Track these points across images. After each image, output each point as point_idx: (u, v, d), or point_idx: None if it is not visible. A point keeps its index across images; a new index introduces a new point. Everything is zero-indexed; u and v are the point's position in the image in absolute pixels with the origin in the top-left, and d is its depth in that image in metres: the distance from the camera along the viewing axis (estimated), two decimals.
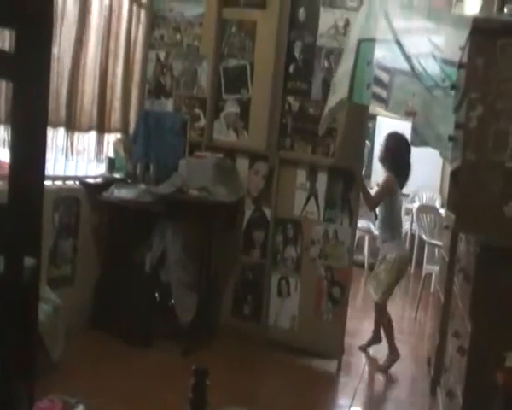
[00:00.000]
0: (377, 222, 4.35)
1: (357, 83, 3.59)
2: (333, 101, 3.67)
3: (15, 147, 1.17)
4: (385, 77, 3.67)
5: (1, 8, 1.18)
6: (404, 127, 4.24)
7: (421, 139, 3.84)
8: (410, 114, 3.72)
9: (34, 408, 1.38)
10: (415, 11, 3.76)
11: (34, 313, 1.31)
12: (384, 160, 4.21)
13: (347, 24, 3.90)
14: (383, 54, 3.64)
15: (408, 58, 3.62)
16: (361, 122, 3.96)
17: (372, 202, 4.11)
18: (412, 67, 3.61)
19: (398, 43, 3.57)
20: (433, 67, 3.61)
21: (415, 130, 3.85)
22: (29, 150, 1.18)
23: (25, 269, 1.17)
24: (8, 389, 1.15)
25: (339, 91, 3.63)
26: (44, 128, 1.22)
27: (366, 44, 3.59)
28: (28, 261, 1.19)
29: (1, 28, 2.38)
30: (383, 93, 3.68)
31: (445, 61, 3.57)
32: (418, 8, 3.79)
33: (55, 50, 3.34)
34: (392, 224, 4.14)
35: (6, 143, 3.00)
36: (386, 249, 4.13)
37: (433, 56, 3.59)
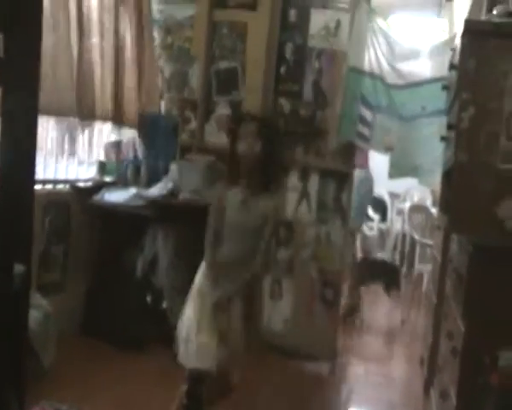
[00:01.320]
0: None
1: (346, 119, 3.83)
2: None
3: (5, 152, 1.15)
4: (368, 115, 3.90)
5: None
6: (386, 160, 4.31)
7: (397, 171, 3.98)
8: (388, 149, 3.97)
9: None
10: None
11: (24, 320, 1.29)
12: None
13: (338, 25, 3.90)
14: (367, 89, 3.84)
15: (389, 92, 3.85)
16: None
17: None
18: (391, 103, 3.83)
19: (381, 79, 3.80)
20: (416, 94, 3.80)
21: (392, 163, 3.97)
22: (19, 155, 1.16)
23: (15, 276, 1.15)
24: None
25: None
26: (35, 131, 1.20)
27: (355, 76, 3.80)
28: (18, 268, 1.16)
29: None
30: (365, 131, 3.93)
31: (431, 80, 3.74)
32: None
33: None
34: None
35: None
36: None
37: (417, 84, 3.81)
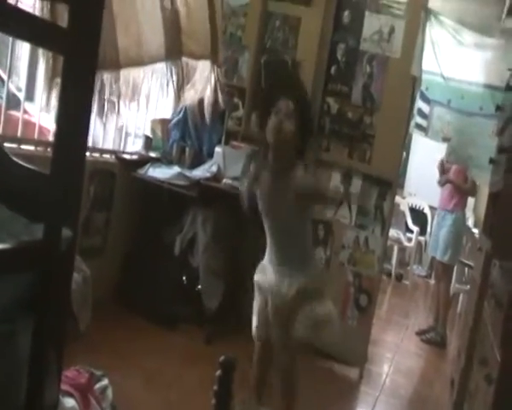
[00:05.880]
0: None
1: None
2: None
3: (62, 118, 1.18)
4: (425, 108, 4.33)
5: None
6: (439, 147, 4.93)
7: (454, 158, 4.51)
8: (445, 139, 4.48)
9: (62, 377, 1.40)
10: (466, 25, 3.97)
11: (68, 283, 1.33)
12: None
13: (392, 31, 3.84)
14: (426, 85, 4.13)
15: (448, 87, 4.24)
16: (399, 131, 3.89)
17: None
18: (449, 101, 4.24)
19: (443, 78, 3.93)
20: (475, 93, 4.14)
21: (449, 151, 4.47)
22: (75, 122, 1.19)
23: (62, 240, 1.19)
24: (40, 357, 1.18)
25: None
26: (91, 98, 1.23)
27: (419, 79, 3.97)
28: (65, 233, 1.20)
29: (55, 2, 2.40)
30: (424, 123, 4.42)
31: (490, 86, 4.04)
32: (470, 23, 4.01)
33: None
34: None
35: (48, 109, 3.00)
36: None
37: (476, 83, 4.17)
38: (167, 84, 3.23)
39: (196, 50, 3.34)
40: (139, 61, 3.08)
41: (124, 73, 2.98)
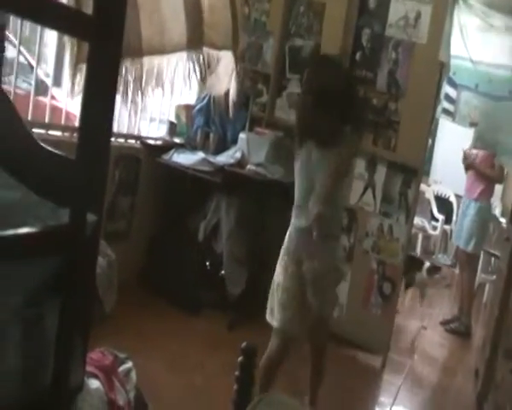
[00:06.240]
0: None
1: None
2: None
3: (87, 104, 1.20)
4: (452, 93, 4.34)
5: None
6: (466, 132, 4.83)
7: (481, 144, 4.40)
8: (472, 124, 4.50)
9: (87, 359, 1.43)
10: (495, 8, 3.88)
11: (93, 267, 1.35)
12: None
13: (418, 16, 3.78)
14: (453, 70, 4.06)
15: (476, 71, 4.18)
16: (425, 118, 3.84)
17: None
18: (477, 85, 4.24)
19: (472, 62, 3.87)
20: (503, 77, 4.10)
21: (476, 136, 4.36)
22: (100, 108, 1.21)
23: (87, 225, 1.21)
24: (66, 339, 1.20)
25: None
26: (115, 84, 1.25)
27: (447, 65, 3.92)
28: (90, 217, 1.22)
29: None
30: (451, 108, 4.43)
31: None
32: (499, 5, 3.92)
33: None
34: None
35: (72, 94, 3.04)
36: None
37: (505, 67, 4.12)
38: (189, 74, 3.24)
39: (218, 41, 3.35)
40: (161, 50, 3.10)
41: (147, 60, 3.01)
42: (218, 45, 3.37)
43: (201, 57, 3.27)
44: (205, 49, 3.30)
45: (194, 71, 3.25)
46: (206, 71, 3.30)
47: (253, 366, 1.66)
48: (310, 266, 2.45)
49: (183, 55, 3.19)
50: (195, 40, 3.23)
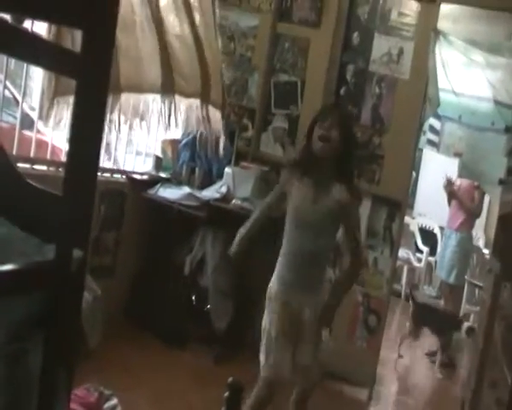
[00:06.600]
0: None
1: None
2: None
3: (74, 140, 1.21)
4: (437, 124, 4.53)
5: (71, 8, 1.23)
6: (451, 162, 4.95)
7: (466, 173, 4.57)
8: (457, 154, 4.60)
9: (71, 396, 1.41)
10: (476, 45, 4.00)
11: (79, 303, 1.35)
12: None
13: (401, 52, 3.86)
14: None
15: (459, 103, 4.28)
16: (408, 152, 3.90)
17: None
18: (460, 117, 4.32)
19: (455, 94, 3.96)
20: (486, 109, 4.17)
21: (461, 166, 4.54)
22: (87, 144, 1.22)
23: (73, 260, 1.21)
24: (50, 375, 1.19)
25: None
26: (102, 120, 1.26)
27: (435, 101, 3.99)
28: (76, 253, 1.22)
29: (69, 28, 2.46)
30: (435, 138, 4.66)
31: (500, 103, 4.06)
32: (479, 43, 4.04)
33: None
34: None
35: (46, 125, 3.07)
36: None
37: (488, 99, 4.17)
38: (163, 116, 3.30)
39: (186, 89, 3.41)
40: (139, 88, 3.16)
41: (125, 96, 3.04)
42: (187, 93, 3.43)
43: (172, 104, 3.31)
44: (177, 96, 3.36)
45: (165, 115, 3.30)
46: (175, 118, 3.37)
47: (240, 401, 1.65)
48: (300, 311, 2.46)
49: (158, 97, 3.24)
50: (168, 86, 3.29)
